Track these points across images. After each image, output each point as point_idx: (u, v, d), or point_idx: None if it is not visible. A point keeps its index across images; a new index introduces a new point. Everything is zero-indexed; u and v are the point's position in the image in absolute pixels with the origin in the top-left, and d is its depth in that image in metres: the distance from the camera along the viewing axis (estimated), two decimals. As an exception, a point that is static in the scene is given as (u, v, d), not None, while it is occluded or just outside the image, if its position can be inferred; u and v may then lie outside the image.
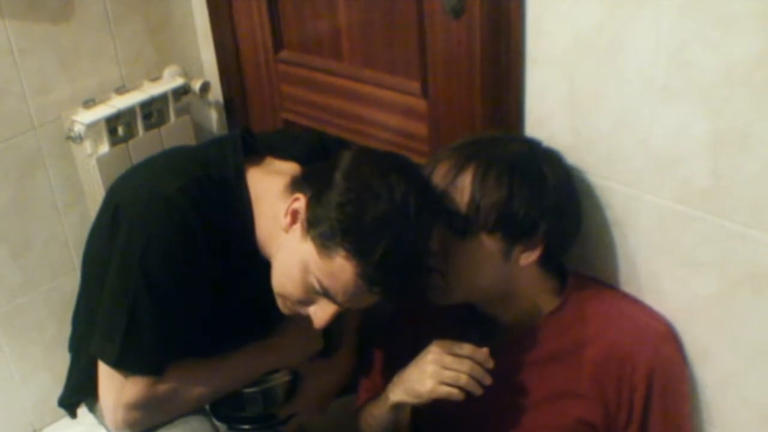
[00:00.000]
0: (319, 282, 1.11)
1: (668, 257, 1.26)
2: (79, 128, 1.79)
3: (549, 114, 1.33)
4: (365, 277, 1.07)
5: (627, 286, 1.33)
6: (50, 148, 1.83)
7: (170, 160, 1.29)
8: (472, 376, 1.14)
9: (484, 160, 1.18)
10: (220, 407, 1.38)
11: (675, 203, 1.22)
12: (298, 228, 1.14)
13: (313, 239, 1.10)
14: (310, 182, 1.15)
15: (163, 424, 1.27)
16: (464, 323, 1.32)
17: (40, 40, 1.74)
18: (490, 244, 1.18)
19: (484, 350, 1.16)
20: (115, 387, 1.22)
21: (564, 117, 1.31)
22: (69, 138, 1.82)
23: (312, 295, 1.15)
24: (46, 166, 1.84)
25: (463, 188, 1.17)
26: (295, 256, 1.13)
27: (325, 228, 1.08)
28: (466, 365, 1.14)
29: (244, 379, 1.32)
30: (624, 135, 1.24)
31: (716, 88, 1.11)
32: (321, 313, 1.15)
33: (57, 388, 2.05)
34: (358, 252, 1.06)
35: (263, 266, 1.21)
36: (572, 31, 1.24)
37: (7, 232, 1.82)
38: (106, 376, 1.23)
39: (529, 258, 1.21)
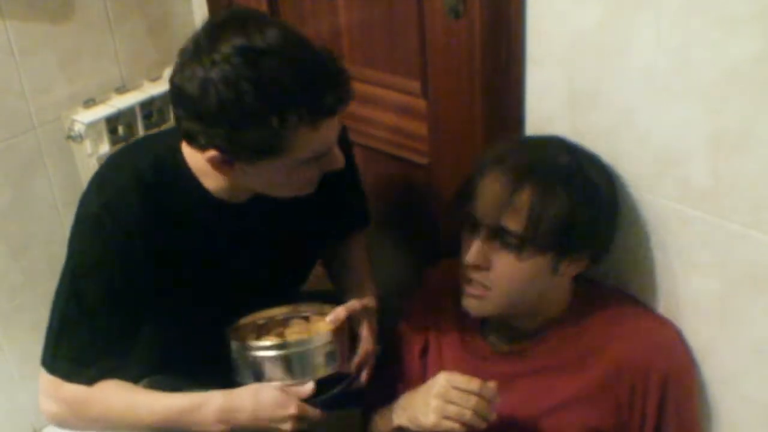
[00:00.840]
0: (316, 160, 1.12)
1: (668, 257, 1.26)
2: (79, 128, 1.79)
3: (549, 114, 1.34)
4: (324, 116, 1.06)
5: (627, 285, 1.33)
6: (50, 147, 1.83)
7: (111, 165, 1.27)
8: (477, 413, 1.12)
9: (539, 178, 1.15)
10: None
11: (675, 203, 1.22)
12: (236, 164, 1.11)
13: (257, 159, 1.09)
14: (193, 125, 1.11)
15: None
16: (478, 328, 1.32)
17: (41, 40, 1.74)
18: (541, 260, 1.17)
19: (492, 385, 1.14)
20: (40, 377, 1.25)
21: (564, 117, 1.31)
22: (69, 138, 1.82)
23: (314, 165, 1.14)
24: (46, 166, 1.84)
25: (521, 208, 1.14)
26: (269, 174, 1.13)
27: (247, 149, 1.06)
28: (471, 401, 1.12)
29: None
30: (624, 135, 1.24)
31: (716, 88, 1.11)
32: (333, 158, 1.16)
33: (57, 388, 2.05)
34: (286, 121, 1.03)
35: (237, 208, 1.22)
36: (572, 31, 1.24)
37: (8, 232, 1.82)
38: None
39: (575, 270, 1.21)
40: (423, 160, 1.59)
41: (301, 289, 1.53)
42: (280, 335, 1.26)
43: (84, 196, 1.25)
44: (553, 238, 1.15)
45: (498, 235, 1.17)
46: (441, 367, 1.33)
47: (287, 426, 1.17)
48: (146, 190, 1.19)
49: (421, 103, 1.54)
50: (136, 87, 1.90)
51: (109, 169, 1.26)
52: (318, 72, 1.04)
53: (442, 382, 1.15)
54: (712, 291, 1.23)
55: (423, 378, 1.34)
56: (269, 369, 1.22)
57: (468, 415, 1.12)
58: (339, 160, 1.17)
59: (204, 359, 1.28)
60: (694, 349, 1.28)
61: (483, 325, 1.33)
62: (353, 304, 1.28)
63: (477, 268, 1.19)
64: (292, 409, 1.17)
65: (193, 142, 1.10)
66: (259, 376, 1.23)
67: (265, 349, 1.22)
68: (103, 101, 1.85)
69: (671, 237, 1.25)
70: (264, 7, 1.76)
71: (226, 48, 1.01)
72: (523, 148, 1.24)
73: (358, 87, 1.63)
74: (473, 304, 1.23)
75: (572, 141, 1.26)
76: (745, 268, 1.18)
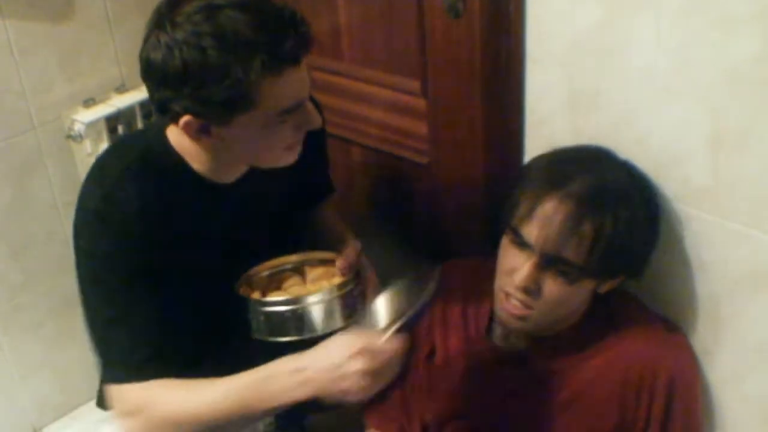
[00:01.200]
0: (290, 112, 1.11)
1: (668, 256, 1.26)
2: (79, 127, 1.79)
3: (549, 113, 1.33)
4: (274, 64, 1.06)
5: (627, 285, 1.33)
6: (50, 147, 1.83)
7: (104, 159, 1.28)
8: None
9: (603, 209, 1.13)
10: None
11: (675, 202, 1.22)
12: (212, 129, 1.12)
13: (230, 117, 1.09)
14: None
15: None
16: (484, 331, 1.32)
17: (41, 40, 1.74)
18: (590, 283, 1.18)
19: None
20: (113, 398, 1.21)
21: (564, 116, 1.31)
22: (69, 137, 1.82)
23: (294, 127, 1.14)
24: (46, 165, 1.84)
25: (584, 239, 1.13)
26: (247, 134, 1.13)
27: (217, 106, 1.07)
28: None
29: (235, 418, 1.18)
30: (624, 134, 1.24)
31: (716, 88, 1.11)
32: (308, 116, 1.15)
33: (57, 387, 2.06)
34: (262, 72, 1.04)
35: (226, 189, 1.23)
36: (572, 31, 1.24)
37: (7, 231, 1.82)
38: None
39: (611, 286, 1.22)
40: (423, 160, 1.59)
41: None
42: (295, 286, 1.29)
43: (82, 192, 1.25)
44: (609, 265, 1.16)
45: (553, 262, 1.15)
46: (447, 371, 1.33)
47: (358, 365, 1.06)
48: (141, 178, 1.20)
49: (420, 103, 1.54)
50: (135, 86, 1.90)
51: (103, 163, 1.27)
52: (277, 20, 1.07)
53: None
54: (713, 290, 1.24)
55: (428, 382, 1.34)
56: (313, 318, 1.21)
57: None
58: (315, 118, 1.17)
59: (213, 338, 1.27)
60: (693, 348, 1.28)
61: (490, 328, 1.33)
62: (351, 250, 1.29)
63: (525, 290, 1.18)
64: (359, 344, 1.07)
65: (167, 112, 1.12)
66: (299, 329, 1.22)
67: (311, 298, 1.22)
68: (103, 101, 1.85)
69: (671, 236, 1.25)
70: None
71: (187, 9, 1.04)
72: (582, 168, 1.18)
73: (357, 86, 1.65)
74: (514, 322, 1.23)
75: (625, 159, 1.23)
76: (746, 267, 1.18)
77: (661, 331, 1.26)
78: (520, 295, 1.18)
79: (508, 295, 1.20)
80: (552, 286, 1.16)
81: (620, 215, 1.13)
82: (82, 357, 2.02)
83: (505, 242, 1.21)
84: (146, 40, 1.09)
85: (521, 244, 1.17)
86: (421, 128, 1.56)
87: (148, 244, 1.20)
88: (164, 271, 1.22)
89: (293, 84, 1.10)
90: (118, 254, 1.19)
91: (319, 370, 1.09)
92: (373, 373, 1.07)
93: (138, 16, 1.88)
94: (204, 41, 1.03)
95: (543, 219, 1.14)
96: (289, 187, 1.35)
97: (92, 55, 1.83)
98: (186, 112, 1.10)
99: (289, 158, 1.20)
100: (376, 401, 1.39)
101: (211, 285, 1.29)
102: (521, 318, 1.21)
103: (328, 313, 1.22)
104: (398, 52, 1.55)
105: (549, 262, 1.15)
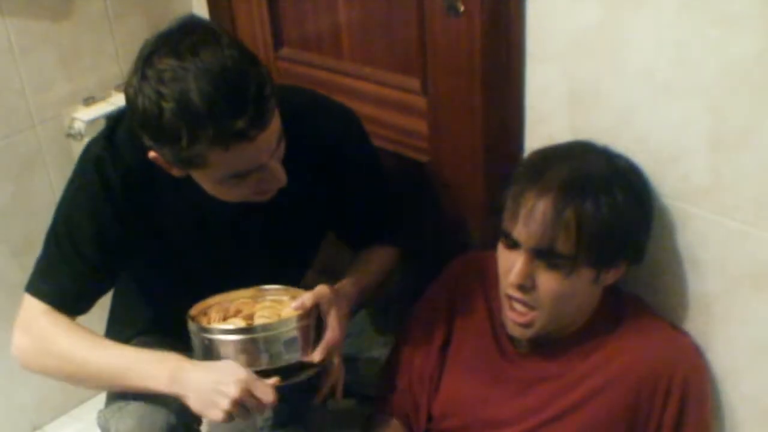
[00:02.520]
0: (236, 176, 1.15)
1: (668, 254, 1.26)
2: (79, 125, 1.79)
3: (549, 111, 1.34)
4: (234, 141, 1.08)
5: (627, 283, 1.33)
6: (50, 145, 1.83)
7: (112, 119, 1.33)
8: None
9: (582, 194, 1.14)
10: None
11: (675, 200, 1.22)
12: (181, 170, 1.18)
13: (181, 167, 1.15)
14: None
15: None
16: (504, 325, 1.31)
17: (41, 38, 1.74)
18: (586, 273, 1.17)
19: None
20: (21, 312, 1.33)
21: (564, 114, 1.31)
22: (69, 135, 1.82)
23: (253, 179, 1.17)
24: (46, 164, 1.84)
25: (569, 229, 1.13)
26: (207, 183, 1.19)
27: (172, 154, 1.12)
28: None
29: (108, 378, 1.26)
30: (624, 132, 1.24)
31: (716, 86, 1.11)
32: (270, 177, 1.18)
33: (56, 386, 2.05)
34: (207, 144, 1.07)
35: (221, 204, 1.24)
36: (572, 29, 1.24)
37: (8, 230, 1.82)
38: (22, 304, 1.33)
39: (614, 278, 1.21)
40: (423, 158, 1.59)
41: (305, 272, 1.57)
42: (248, 318, 1.25)
43: (89, 142, 1.31)
44: (600, 251, 1.15)
45: (543, 256, 1.15)
46: (459, 364, 1.33)
47: (232, 390, 1.13)
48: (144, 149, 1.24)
49: (420, 101, 1.54)
50: (136, 85, 1.90)
51: (117, 120, 1.30)
52: (233, 97, 1.08)
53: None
54: (713, 289, 1.24)
55: (438, 373, 1.35)
56: (225, 353, 1.19)
57: None
58: (277, 179, 1.18)
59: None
60: (694, 347, 1.28)
61: (498, 326, 1.32)
62: (322, 290, 1.26)
63: (521, 287, 1.18)
64: (242, 374, 1.15)
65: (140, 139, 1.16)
66: (214, 359, 1.20)
67: (222, 332, 1.20)
68: (103, 99, 1.85)
69: (671, 235, 1.25)
70: (264, 5, 1.76)
71: (159, 65, 1.08)
72: (560, 161, 1.19)
73: (357, 84, 1.65)
74: (520, 331, 1.23)
75: (604, 146, 1.23)
76: (746, 265, 1.18)
77: (671, 332, 1.26)
78: (517, 294, 1.19)
79: (510, 300, 1.21)
80: (547, 281, 1.16)
81: (600, 199, 1.13)
82: (82, 355, 2.02)
83: (500, 247, 1.22)
84: (130, 72, 1.13)
85: (511, 245, 1.18)
86: (421, 126, 1.56)
87: (132, 207, 1.26)
88: (139, 238, 1.29)
89: (243, 156, 1.12)
90: (99, 195, 1.25)
91: (200, 378, 1.17)
92: (239, 406, 1.14)
93: (138, 14, 1.89)
94: (163, 102, 1.07)
95: (525, 215, 1.15)
96: (298, 211, 1.34)
97: (92, 53, 1.83)
98: (151, 149, 1.15)
99: (255, 199, 1.22)
100: (385, 390, 1.40)
101: (187, 274, 1.34)
102: (526, 325, 1.21)
103: (242, 350, 1.19)
104: (398, 50, 1.55)
105: (539, 256, 1.15)
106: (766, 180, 1.11)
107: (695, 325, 1.27)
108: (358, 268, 1.42)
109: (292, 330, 1.20)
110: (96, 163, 1.25)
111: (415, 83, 1.53)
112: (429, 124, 1.54)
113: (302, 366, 1.22)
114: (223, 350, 1.19)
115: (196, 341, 1.24)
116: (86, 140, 1.78)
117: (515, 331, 1.24)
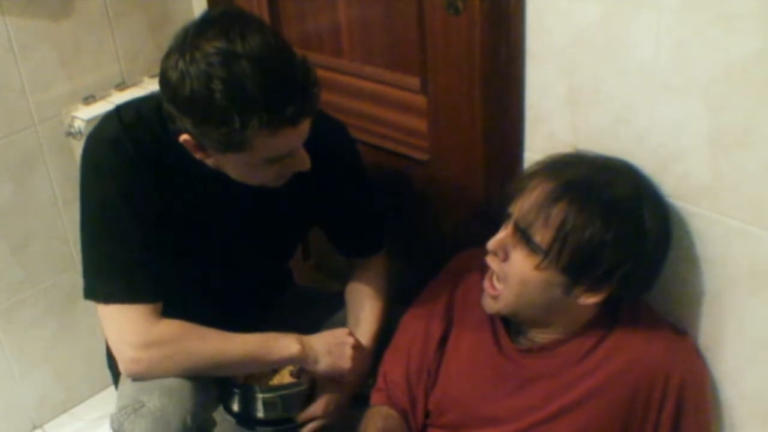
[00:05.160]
0: (275, 161, 1.18)
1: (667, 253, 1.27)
2: (79, 124, 1.79)
3: (549, 110, 1.34)
4: (284, 124, 1.10)
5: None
6: (50, 144, 1.83)
7: (118, 109, 1.32)
8: None
9: (580, 199, 1.13)
10: (236, 406, 1.41)
11: (674, 199, 1.22)
12: (207, 151, 1.18)
13: (216, 152, 1.17)
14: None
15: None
16: (503, 323, 1.32)
17: (40, 37, 1.74)
18: (556, 277, 1.16)
19: None
20: (114, 325, 1.27)
21: (564, 113, 1.31)
22: (69, 134, 1.82)
23: (282, 165, 1.20)
24: (46, 163, 1.84)
25: (552, 222, 1.13)
26: (240, 166, 1.20)
27: (214, 139, 1.13)
28: None
29: (246, 359, 1.33)
30: (624, 131, 1.24)
31: (716, 85, 1.11)
32: (297, 160, 1.21)
33: (57, 385, 2.06)
34: (256, 129, 1.09)
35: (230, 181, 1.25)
36: (572, 28, 1.24)
37: (8, 229, 1.82)
38: (104, 317, 1.28)
39: (588, 300, 1.18)
40: (423, 157, 1.59)
41: (285, 263, 1.63)
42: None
43: (100, 124, 1.29)
44: (573, 262, 1.14)
45: (522, 235, 1.17)
46: (457, 359, 1.33)
47: (350, 339, 1.40)
48: (155, 131, 1.25)
49: (420, 100, 1.54)
50: (135, 83, 1.90)
51: (126, 106, 1.30)
52: (285, 83, 1.10)
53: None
54: (712, 287, 1.24)
55: (437, 367, 1.35)
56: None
57: None
58: (304, 162, 1.23)
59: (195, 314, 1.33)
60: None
61: (508, 321, 1.32)
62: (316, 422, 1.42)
63: (495, 254, 1.21)
64: (346, 330, 1.42)
65: (171, 123, 1.17)
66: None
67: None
68: (103, 98, 1.85)
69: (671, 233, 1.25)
70: (264, 4, 1.76)
71: (207, 47, 1.08)
72: (585, 166, 1.19)
73: (357, 83, 1.65)
74: (488, 302, 1.25)
75: (642, 173, 1.22)
76: (745, 264, 1.18)
77: (669, 333, 1.26)
78: (491, 262, 1.21)
79: (489, 272, 1.24)
80: (519, 260, 1.18)
81: (596, 218, 1.12)
82: (82, 354, 2.02)
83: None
84: (168, 55, 1.13)
85: (506, 217, 1.21)
86: (421, 125, 1.56)
87: (153, 187, 1.25)
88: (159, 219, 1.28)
89: (286, 141, 1.15)
90: (125, 173, 1.24)
91: (321, 339, 1.38)
92: (360, 350, 1.40)
93: (138, 13, 1.89)
94: (214, 84, 1.07)
95: (526, 192, 1.18)
96: (297, 200, 1.38)
97: (92, 52, 1.83)
98: (186, 132, 1.15)
99: (274, 184, 1.26)
100: (381, 382, 1.41)
101: (190, 262, 1.36)
102: (493, 297, 1.23)
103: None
104: (398, 49, 1.55)
105: (520, 234, 1.17)
106: (766, 179, 1.11)
107: (695, 324, 1.28)
108: (363, 310, 1.50)
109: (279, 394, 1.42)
110: (113, 144, 1.24)
111: (414, 82, 1.53)
112: (429, 122, 1.54)
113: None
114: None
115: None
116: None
117: (485, 304, 1.26)
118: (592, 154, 1.25)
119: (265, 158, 1.17)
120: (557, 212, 1.14)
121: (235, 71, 1.07)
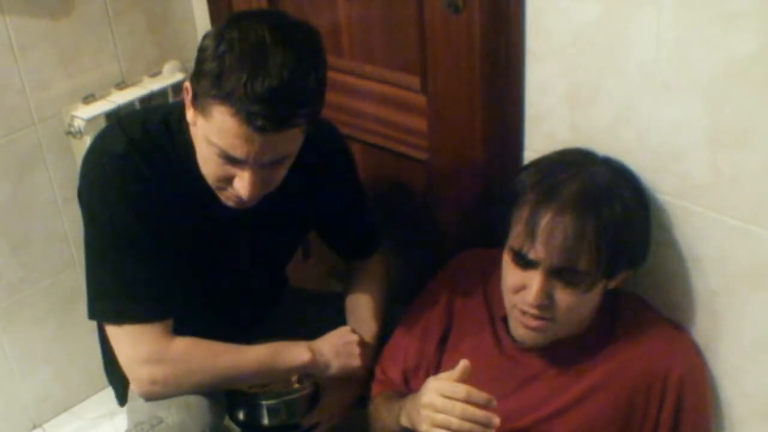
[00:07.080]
0: (217, 147, 1.12)
1: (667, 252, 1.27)
2: (78, 123, 1.79)
3: (549, 109, 1.34)
4: (242, 115, 1.07)
5: (627, 282, 1.33)
6: (50, 143, 1.83)
7: (121, 123, 1.31)
8: (465, 419, 1.10)
9: (598, 210, 1.14)
10: (242, 415, 1.40)
11: (675, 198, 1.23)
12: (194, 110, 1.15)
13: (196, 108, 1.14)
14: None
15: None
16: (502, 321, 1.31)
17: (40, 36, 1.74)
18: (599, 285, 1.18)
19: (483, 394, 1.10)
20: (127, 345, 1.25)
21: (564, 112, 1.31)
22: (69, 133, 1.82)
23: (226, 167, 1.15)
24: (46, 162, 1.84)
25: (590, 243, 1.13)
26: (199, 138, 1.17)
27: (198, 91, 1.12)
28: (458, 409, 1.10)
29: (258, 371, 1.32)
30: (624, 130, 1.24)
31: (716, 84, 1.11)
32: (240, 181, 1.16)
33: (57, 383, 2.06)
34: (224, 96, 1.07)
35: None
36: (572, 27, 1.24)
37: (7, 228, 1.82)
38: (116, 337, 1.25)
39: (620, 283, 1.22)
40: (422, 156, 1.59)
41: (285, 267, 1.62)
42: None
43: (103, 137, 1.28)
44: (617, 261, 1.16)
45: (561, 274, 1.15)
46: (457, 357, 1.33)
47: (354, 337, 1.39)
48: (170, 140, 1.24)
49: (420, 99, 1.54)
50: (135, 83, 1.90)
51: (128, 118, 1.30)
52: (279, 88, 1.07)
53: (428, 391, 1.14)
54: (712, 286, 1.24)
55: (437, 366, 1.35)
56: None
57: (455, 423, 1.10)
58: (244, 187, 1.16)
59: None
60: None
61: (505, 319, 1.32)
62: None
63: (540, 306, 1.18)
64: (348, 328, 1.41)
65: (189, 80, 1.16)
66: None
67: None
68: (102, 97, 1.85)
69: (671, 232, 1.25)
70: (264, 2, 1.76)
71: (243, 43, 1.08)
72: (567, 175, 1.18)
73: (357, 82, 1.65)
74: (532, 336, 1.23)
75: (592, 150, 1.24)
76: (745, 263, 1.18)
77: (669, 330, 1.26)
78: (534, 312, 1.19)
79: (524, 312, 1.20)
80: (564, 297, 1.16)
81: (616, 210, 1.14)
82: (82, 353, 2.02)
83: (507, 261, 1.21)
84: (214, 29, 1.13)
85: (525, 264, 1.17)
86: (421, 124, 1.56)
87: (162, 202, 1.23)
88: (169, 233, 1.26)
89: (238, 134, 1.10)
90: (133, 196, 1.21)
91: (327, 342, 1.37)
92: (365, 346, 1.40)
93: (137, 12, 1.89)
94: (233, 49, 1.07)
95: (545, 235, 1.13)
96: (290, 214, 1.38)
97: (92, 51, 1.83)
98: (189, 80, 1.15)
99: (225, 199, 1.22)
100: (380, 377, 1.41)
101: (195, 278, 1.34)
102: (540, 330, 1.21)
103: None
104: (398, 48, 1.55)
105: (557, 274, 1.15)
106: (766, 178, 1.11)
107: (695, 323, 1.28)
108: (363, 312, 1.50)
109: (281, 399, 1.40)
110: (121, 159, 1.21)
111: (414, 81, 1.53)
112: (429, 121, 1.54)
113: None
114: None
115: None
116: (86, 138, 1.79)
117: (527, 338, 1.23)
118: (550, 158, 1.25)
119: (217, 145, 1.12)
120: (591, 233, 1.13)
121: (249, 44, 1.07)
